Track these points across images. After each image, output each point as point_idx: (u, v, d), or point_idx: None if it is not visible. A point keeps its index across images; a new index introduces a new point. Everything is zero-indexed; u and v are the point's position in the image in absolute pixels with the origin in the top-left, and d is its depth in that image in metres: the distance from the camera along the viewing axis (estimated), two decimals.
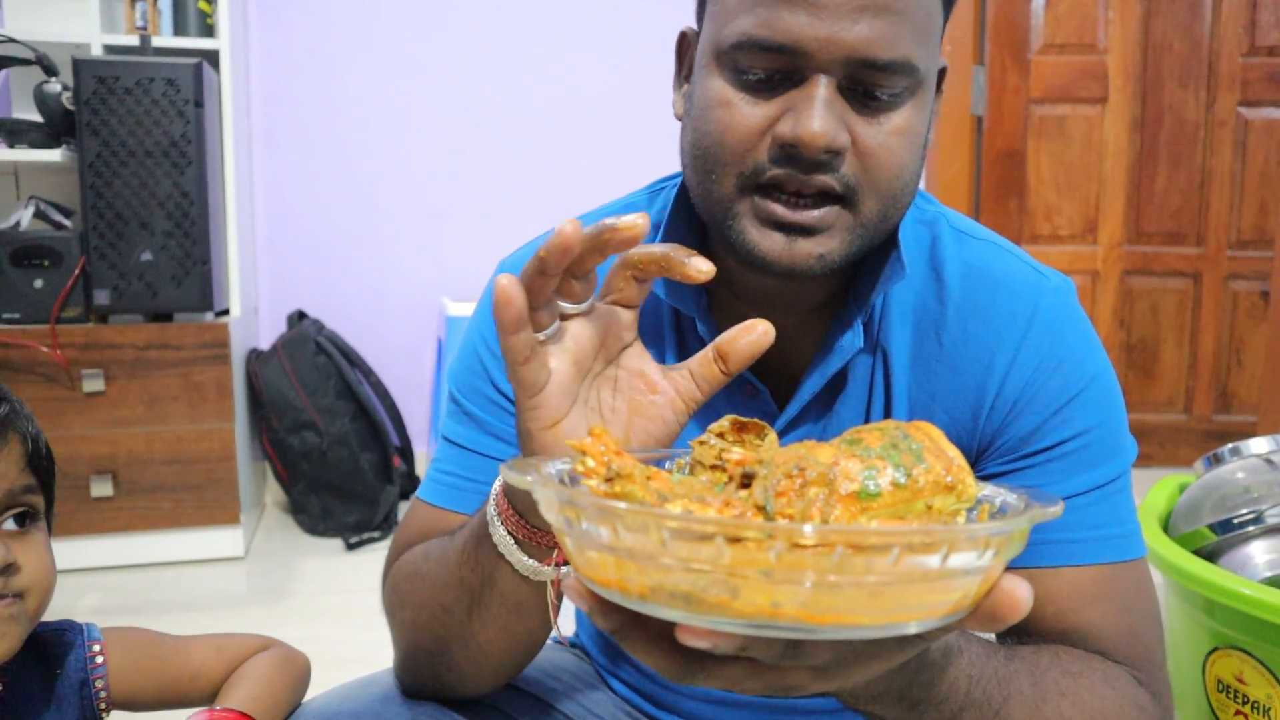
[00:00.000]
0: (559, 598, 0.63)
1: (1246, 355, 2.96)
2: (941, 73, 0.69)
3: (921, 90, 0.62)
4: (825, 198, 0.61)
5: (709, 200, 0.64)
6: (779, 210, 0.61)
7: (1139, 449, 0.74)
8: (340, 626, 1.84)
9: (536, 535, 0.59)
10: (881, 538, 0.35)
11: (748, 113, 0.61)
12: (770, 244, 0.62)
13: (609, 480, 0.41)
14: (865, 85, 0.60)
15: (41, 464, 0.75)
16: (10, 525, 0.73)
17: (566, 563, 0.60)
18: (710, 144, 0.63)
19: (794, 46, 0.58)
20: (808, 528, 0.34)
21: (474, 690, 0.74)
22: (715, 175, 0.63)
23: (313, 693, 0.82)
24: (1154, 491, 1.46)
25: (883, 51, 0.58)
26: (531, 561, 0.60)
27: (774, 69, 0.60)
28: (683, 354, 0.75)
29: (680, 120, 0.69)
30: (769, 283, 0.70)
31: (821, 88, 0.59)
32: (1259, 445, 1.39)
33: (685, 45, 0.71)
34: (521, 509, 0.59)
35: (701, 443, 0.49)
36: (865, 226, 0.63)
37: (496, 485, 0.62)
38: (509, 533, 0.60)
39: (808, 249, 0.62)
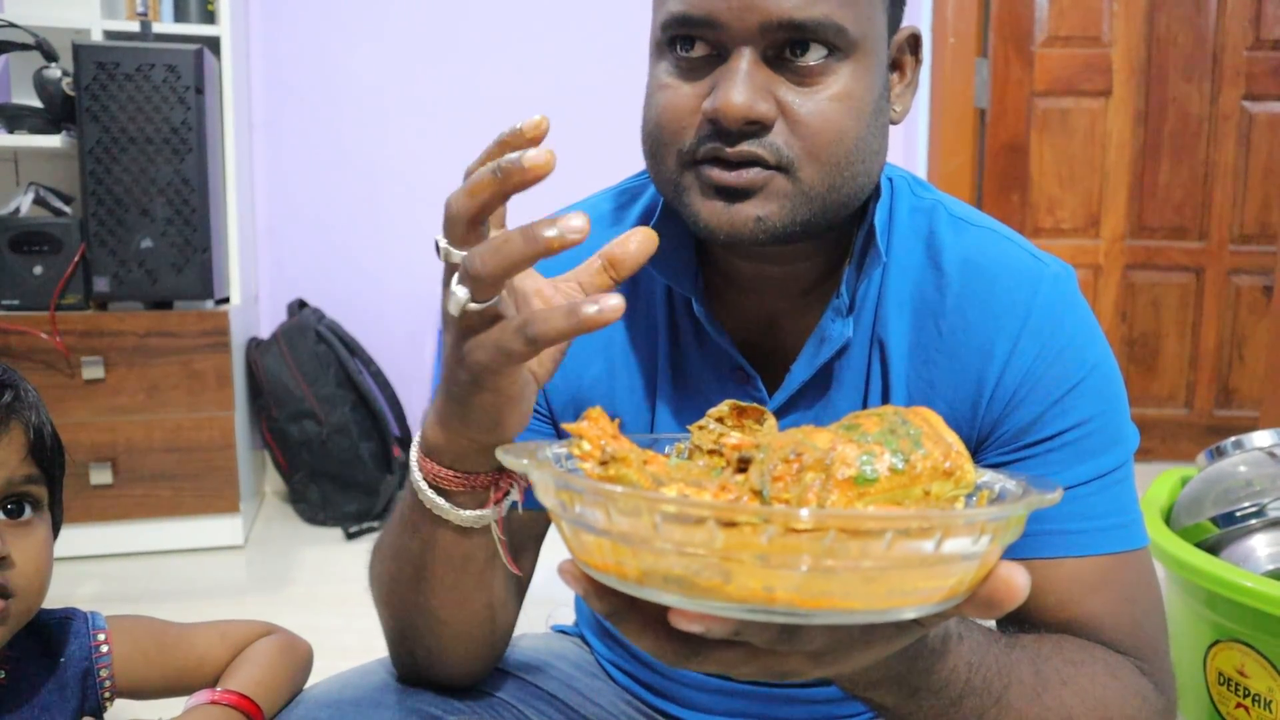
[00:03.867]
0: (505, 534, 0.65)
1: (1248, 350, 2.95)
2: (913, 40, 0.70)
3: (859, 54, 0.62)
4: (757, 164, 0.62)
5: (660, 180, 0.67)
6: (715, 173, 0.62)
7: (1139, 443, 0.73)
8: (339, 615, 1.83)
9: (468, 480, 0.60)
10: (875, 522, 0.35)
11: (682, 93, 0.63)
12: (710, 211, 0.63)
13: (604, 464, 0.41)
14: (791, 51, 0.61)
15: (46, 455, 0.73)
16: (10, 515, 0.70)
17: (505, 498, 0.62)
18: (653, 127, 0.66)
19: (710, 18, 0.60)
20: (801, 511, 0.34)
21: (449, 670, 0.73)
22: (659, 155, 0.65)
23: (311, 681, 0.82)
24: (1156, 484, 1.46)
25: (798, 12, 0.59)
26: (469, 511, 0.61)
27: (702, 46, 0.62)
28: (676, 336, 0.75)
29: None
30: (756, 267, 0.71)
31: (743, 60, 0.60)
32: (1261, 439, 1.39)
33: None
34: (449, 461, 0.60)
35: (700, 427, 0.49)
36: (809, 195, 0.62)
37: (414, 449, 0.62)
38: (430, 485, 0.61)
39: (746, 212, 0.62)
